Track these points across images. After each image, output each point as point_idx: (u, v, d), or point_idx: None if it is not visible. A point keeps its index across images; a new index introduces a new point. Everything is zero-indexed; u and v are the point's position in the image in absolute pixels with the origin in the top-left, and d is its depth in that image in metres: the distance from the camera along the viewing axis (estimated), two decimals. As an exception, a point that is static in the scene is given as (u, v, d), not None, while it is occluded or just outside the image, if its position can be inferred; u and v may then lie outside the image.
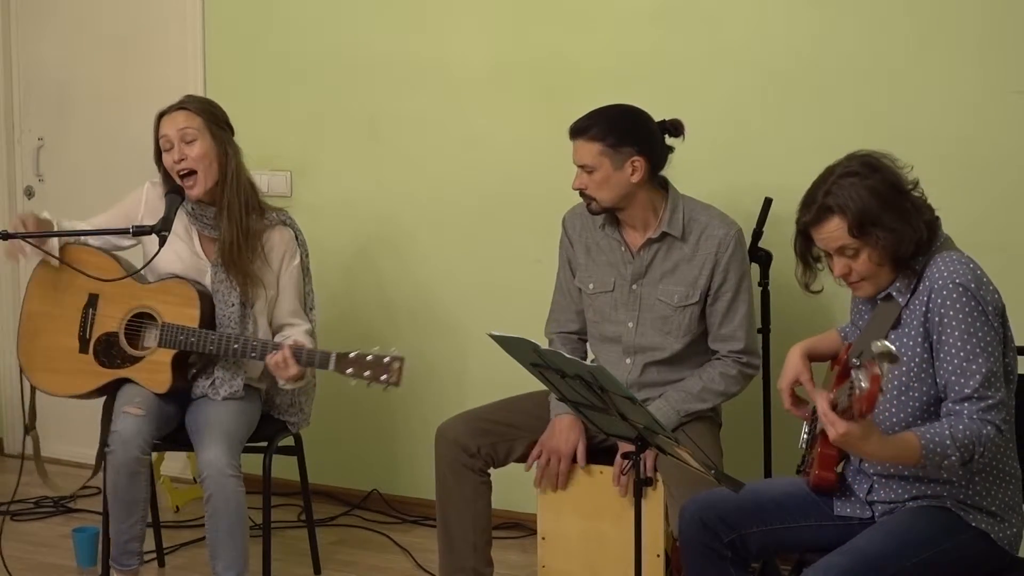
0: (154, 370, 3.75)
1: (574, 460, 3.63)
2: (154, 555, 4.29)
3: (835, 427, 2.68)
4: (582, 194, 3.60)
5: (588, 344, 3.84)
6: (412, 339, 4.79)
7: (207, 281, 3.80)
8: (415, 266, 4.76)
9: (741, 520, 3.04)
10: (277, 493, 4.30)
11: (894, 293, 2.94)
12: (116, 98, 5.18)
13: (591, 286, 3.72)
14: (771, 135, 4.16)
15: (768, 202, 3.95)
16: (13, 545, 4.14)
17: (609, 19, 4.36)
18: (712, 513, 3.05)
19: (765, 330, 3.94)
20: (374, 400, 4.87)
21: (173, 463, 4.89)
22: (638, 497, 3.04)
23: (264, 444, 3.95)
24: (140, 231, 3.52)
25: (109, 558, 3.83)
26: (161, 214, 3.68)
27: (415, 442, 4.70)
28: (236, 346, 3.67)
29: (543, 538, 3.71)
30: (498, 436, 3.70)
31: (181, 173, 3.73)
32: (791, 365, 3.13)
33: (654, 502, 3.51)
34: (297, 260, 3.88)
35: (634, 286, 3.65)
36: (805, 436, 3.16)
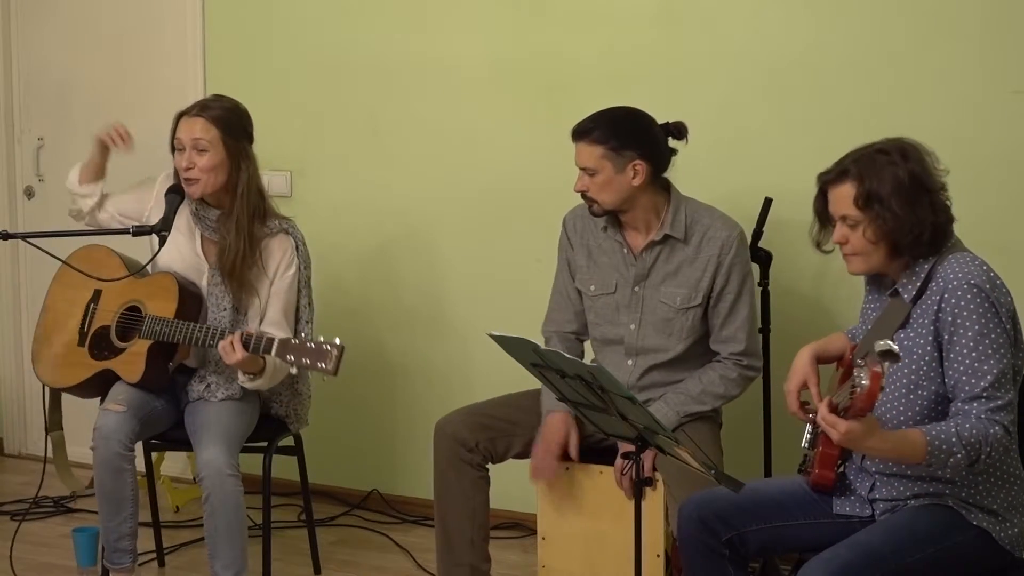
0: (131, 361, 3.77)
1: (568, 458, 3.62)
2: (154, 555, 4.29)
3: (836, 428, 2.68)
4: (584, 196, 3.60)
5: (590, 345, 3.83)
6: (412, 339, 4.80)
7: (204, 281, 3.80)
8: (415, 266, 4.76)
9: (739, 518, 3.04)
10: (277, 493, 4.30)
11: (900, 289, 2.94)
12: (116, 98, 5.18)
13: (592, 288, 3.71)
14: (771, 135, 4.16)
15: (768, 202, 3.95)
16: (10, 544, 4.14)
17: (609, 19, 4.36)
18: (710, 511, 3.05)
19: (765, 330, 3.94)
20: (374, 400, 4.89)
21: (173, 463, 4.89)
22: (638, 497, 3.04)
23: (264, 444, 3.95)
24: (140, 231, 3.52)
25: (103, 557, 3.83)
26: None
27: (415, 442, 4.70)
28: (199, 335, 3.66)
29: (543, 538, 3.71)
30: (497, 431, 3.70)
31: (186, 177, 3.74)
32: (799, 368, 3.13)
33: (654, 502, 3.51)
34: (292, 271, 3.85)
35: (636, 288, 3.65)
36: (808, 436, 3.16)
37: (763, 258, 3.95)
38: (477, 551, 3.70)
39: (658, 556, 3.54)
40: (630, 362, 3.67)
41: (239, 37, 4.98)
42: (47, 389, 3.96)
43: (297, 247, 3.88)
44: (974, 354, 2.79)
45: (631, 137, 3.53)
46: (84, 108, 5.29)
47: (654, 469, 3.50)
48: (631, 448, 3.06)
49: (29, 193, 5.46)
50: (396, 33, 4.70)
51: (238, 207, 3.76)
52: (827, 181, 2.99)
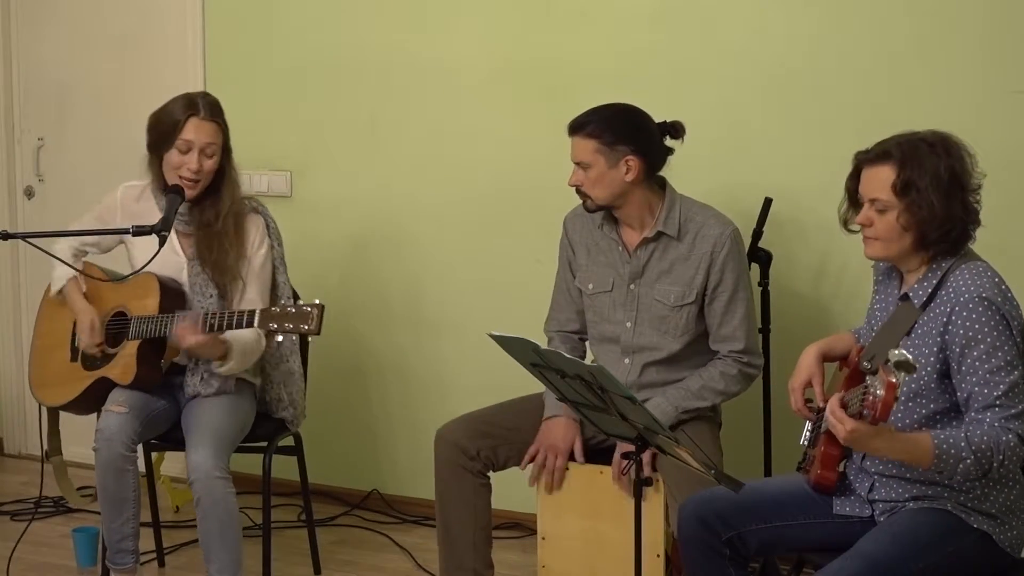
0: (122, 364, 3.77)
1: (572, 458, 3.62)
2: (154, 555, 4.29)
3: (844, 424, 2.68)
4: (578, 191, 3.61)
5: (588, 344, 3.84)
6: (412, 339, 4.79)
7: (184, 276, 3.80)
8: (415, 266, 4.76)
9: (739, 518, 3.04)
10: (277, 493, 4.30)
11: (910, 293, 2.93)
12: (116, 98, 5.18)
13: (591, 286, 3.72)
14: (771, 135, 4.16)
15: (768, 202, 3.95)
16: (12, 545, 4.14)
17: (609, 19, 4.36)
18: (710, 511, 3.06)
19: (765, 330, 3.94)
20: (374, 400, 4.89)
21: (173, 463, 4.89)
22: (638, 497, 3.04)
23: (264, 444, 3.95)
24: (140, 231, 3.52)
25: (105, 558, 3.83)
26: (136, 217, 3.74)
27: (415, 442, 4.70)
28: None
29: (543, 538, 3.71)
30: (498, 439, 3.70)
31: (188, 179, 3.72)
32: (805, 366, 3.13)
33: (654, 502, 3.50)
34: (265, 248, 3.86)
35: (631, 286, 3.65)
36: (808, 434, 3.16)
37: (763, 258, 3.95)
38: (480, 557, 3.70)
39: (658, 556, 3.54)
40: (627, 360, 3.68)
41: (239, 37, 4.98)
42: (44, 412, 3.96)
43: (268, 225, 3.90)
44: (987, 366, 2.78)
45: (625, 133, 3.54)
46: (84, 108, 5.30)
47: (654, 469, 3.50)
48: (631, 448, 3.06)
49: (29, 193, 5.46)
50: (396, 33, 4.70)
51: (227, 202, 3.77)
52: (865, 160, 2.96)
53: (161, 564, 4.32)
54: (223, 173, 3.80)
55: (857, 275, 4.00)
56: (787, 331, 3.98)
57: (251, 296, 3.82)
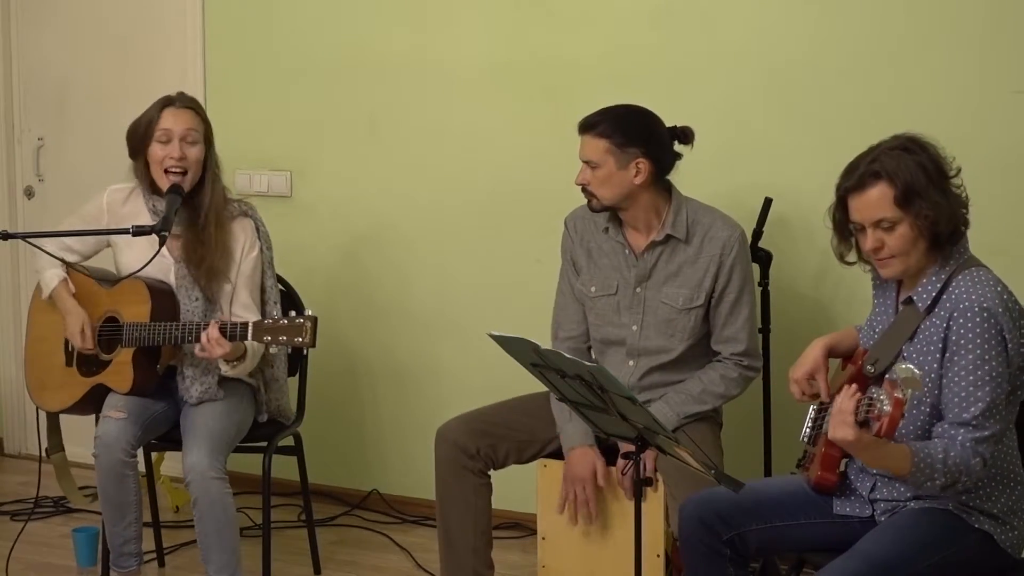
0: (118, 371, 3.77)
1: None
2: (154, 555, 4.29)
3: (848, 430, 2.67)
4: (584, 190, 3.60)
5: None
6: (412, 339, 4.79)
7: (171, 277, 3.79)
8: (415, 266, 4.76)
9: (740, 518, 3.04)
10: (277, 493, 4.30)
11: (914, 297, 2.92)
12: (116, 98, 5.17)
13: (593, 289, 3.71)
14: (771, 135, 4.16)
15: (768, 202, 3.96)
16: (10, 545, 4.14)
17: (609, 19, 4.36)
18: (710, 511, 3.06)
19: (765, 330, 3.94)
20: (374, 400, 4.89)
21: (173, 463, 4.87)
22: (638, 497, 3.04)
23: (264, 444, 3.95)
24: (140, 231, 3.51)
25: (108, 560, 3.83)
26: (123, 220, 3.74)
27: (415, 442, 4.70)
28: (177, 333, 3.66)
29: (543, 538, 3.71)
30: (498, 438, 3.69)
31: (174, 169, 3.71)
32: (811, 359, 3.12)
33: (654, 502, 3.50)
34: (256, 252, 3.86)
35: (638, 289, 3.65)
36: (808, 431, 3.16)
37: (763, 258, 3.95)
38: (480, 558, 3.69)
39: (658, 556, 3.54)
40: (631, 363, 3.67)
41: (239, 37, 4.98)
42: (43, 413, 3.96)
43: (258, 228, 3.89)
44: (971, 378, 2.78)
45: (637, 134, 3.53)
46: (84, 108, 5.30)
47: (655, 469, 3.50)
48: (631, 448, 3.06)
49: (29, 193, 5.46)
50: (396, 33, 4.70)
51: (210, 201, 3.77)
52: (850, 189, 2.90)
53: (161, 564, 4.32)
54: (206, 168, 3.78)
55: (857, 275, 3.96)
56: (787, 331, 3.97)
57: (243, 300, 3.82)
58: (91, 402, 3.84)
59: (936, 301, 2.89)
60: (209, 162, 3.80)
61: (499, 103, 4.55)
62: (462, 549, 3.68)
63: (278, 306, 3.92)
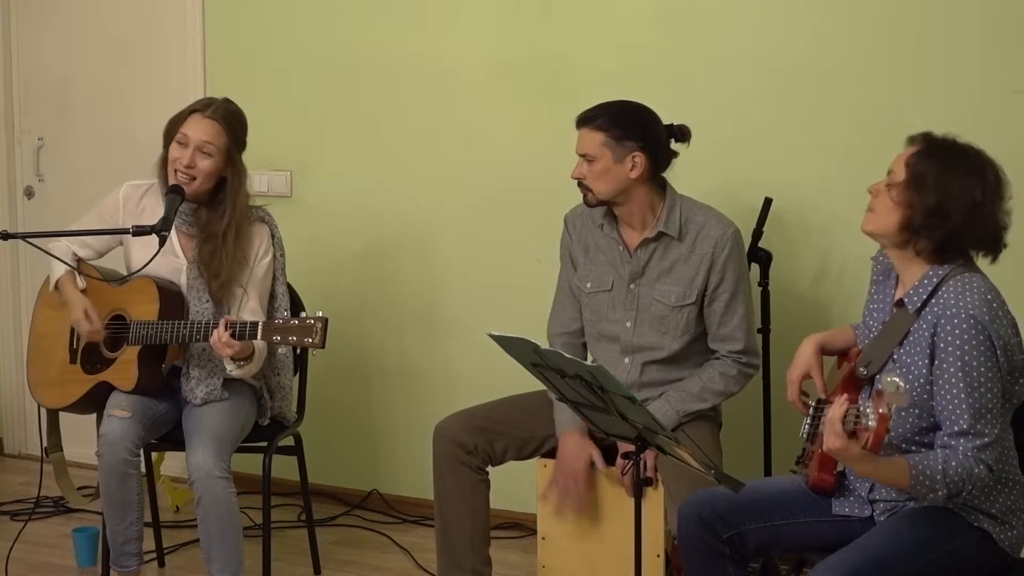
0: (123, 369, 3.77)
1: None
2: (154, 555, 4.29)
3: (836, 440, 2.68)
4: (580, 184, 3.61)
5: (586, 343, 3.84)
6: (413, 339, 4.79)
7: (182, 278, 3.79)
8: (415, 266, 4.76)
9: (739, 517, 3.04)
10: (277, 493, 4.30)
11: (905, 300, 2.92)
12: (116, 98, 5.18)
13: (589, 285, 3.72)
14: (771, 134, 4.16)
15: (768, 202, 3.96)
16: (9, 545, 4.14)
17: (609, 19, 4.36)
18: (710, 510, 3.06)
19: (765, 330, 3.94)
20: (374, 400, 4.89)
21: (173, 463, 4.89)
22: (638, 497, 3.04)
23: (264, 444, 3.95)
24: (140, 231, 3.51)
25: (108, 559, 3.83)
26: (138, 217, 3.75)
27: (415, 442, 4.70)
28: (184, 332, 3.66)
29: (543, 538, 3.71)
30: (496, 434, 3.70)
31: (182, 174, 3.71)
32: (804, 358, 3.13)
33: (654, 502, 3.51)
34: (268, 258, 3.85)
35: (632, 285, 3.65)
36: (806, 428, 3.16)
37: (763, 258, 3.95)
38: (478, 554, 3.69)
39: (658, 556, 3.54)
40: (627, 360, 3.68)
41: (239, 37, 4.98)
42: (43, 412, 3.96)
43: (273, 235, 3.89)
44: (961, 384, 2.77)
45: (634, 129, 3.54)
46: (84, 108, 5.30)
47: (655, 469, 3.50)
48: (631, 448, 3.06)
49: (29, 193, 5.46)
50: (396, 33, 4.70)
51: (231, 216, 3.74)
52: (908, 139, 2.97)
53: (161, 564, 4.32)
54: (229, 184, 3.76)
55: (857, 275, 4.00)
56: (787, 331, 3.97)
57: (252, 305, 3.82)
58: (92, 400, 3.84)
59: (925, 304, 2.89)
60: (233, 176, 3.76)
61: (499, 103, 4.56)
62: (460, 545, 3.68)
63: (288, 313, 3.91)
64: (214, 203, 3.78)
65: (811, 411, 3.15)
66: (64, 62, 5.32)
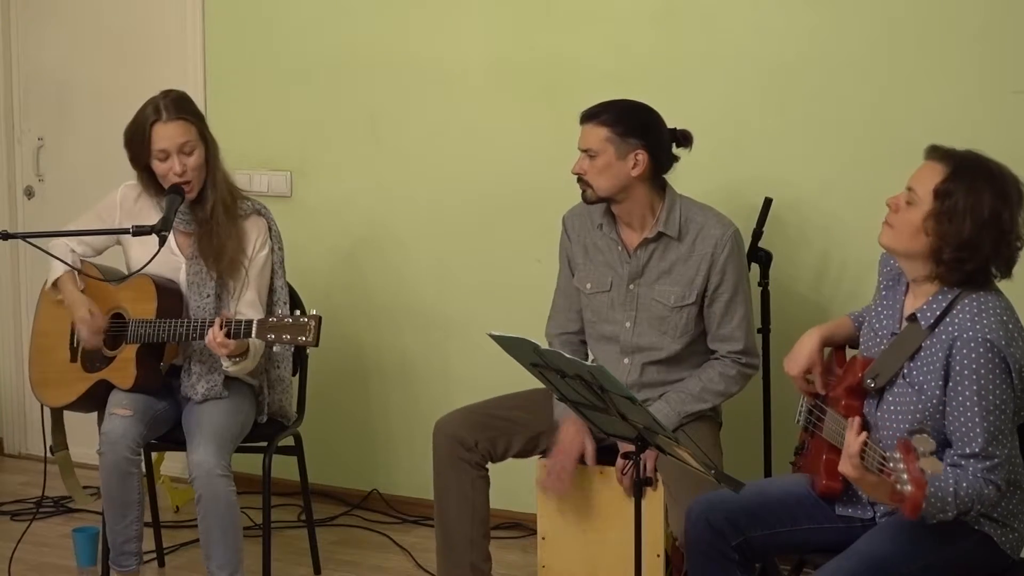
0: (122, 368, 3.77)
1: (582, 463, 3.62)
2: (154, 555, 4.29)
3: (854, 471, 2.67)
4: (580, 180, 3.61)
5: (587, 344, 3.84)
6: (413, 339, 4.79)
7: (181, 275, 3.79)
8: (415, 266, 4.76)
9: (747, 522, 3.04)
10: (277, 493, 4.30)
11: (918, 315, 2.90)
12: (116, 98, 5.17)
13: (588, 286, 3.72)
14: (771, 135, 4.16)
15: (768, 202, 3.96)
16: (13, 545, 4.14)
17: (609, 19, 4.36)
18: (719, 515, 3.05)
19: (765, 330, 3.94)
20: (374, 400, 4.89)
21: (173, 463, 4.89)
22: (638, 497, 3.04)
23: (264, 444, 3.95)
24: (140, 231, 3.51)
25: (108, 559, 3.83)
26: (135, 217, 3.74)
27: (415, 442, 4.70)
28: (182, 330, 3.66)
29: (543, 538, 3.71)
30: (496, 430, 3.70)
31: (180, 183, 3.71)
32: (806, 352, 3.12)
33: (654, 502, 3.50)
34: (266, 251, 3.86)
35: (631, 286, 3.65)
36: (801, 418, 3.15)
37: (763, 258, 3.95)
38: (477, 550, 3.69)
39: (658, 556, 3.54)
40: (626, 360, 3.68)
41: (239, 37, 4.98)
42: (47, 410, 3.96)
43: (270, 227, 3.89)
44: (976, 408, 2.76)
45: (637, 127, 3.55)
46: (84, 108, 5.29)
47: (655, 469, 3.50)
48: (631, 448, 3.06)
49: (29, 193, 5.46)
50: (396, 33, 4.70)
51: (221, 193, 3.76)
52: (930, 153, 2.89)
53: (161, 564, 4.32)
54: (209, 165, 3.77)
55: (857, 275, 4.01)
56: (787, 331, 3.97)
57: (249, 298, 3.82)
58: (93, 399, 3.84)
59: (939, 320, 2.86)
60: (210, 156, 3.77)
61: (499, 103, 4.55)
62: (459, 542, 3.68)
63: (287, 307, 3.92)
64: (203, 193, 3.78)
65: (806, 402, 3.14)
66: (64, 62, 5.32)
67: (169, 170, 3.71)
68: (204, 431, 3.66)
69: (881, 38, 4.01)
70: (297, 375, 4.15)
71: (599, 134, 3.55)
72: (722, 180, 4.13)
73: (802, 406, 3.17)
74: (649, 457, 3.46)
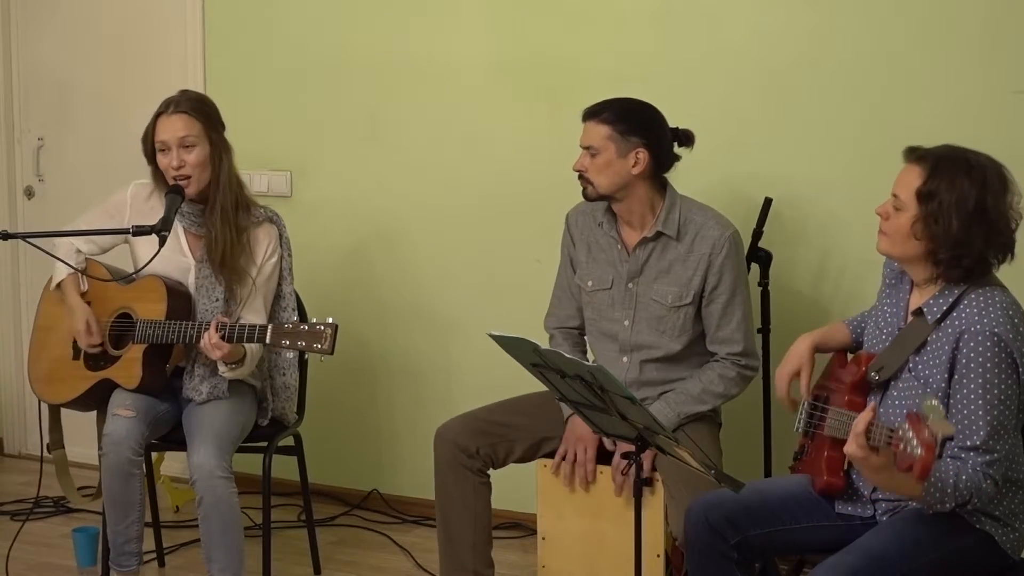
0: (127, 367, 3.77)
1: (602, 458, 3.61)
2: (154, 555, 4.29)
3: (859, 451, 2.66)
4: (580, 177, 3.61)
5: (587, 341, 3.84)
6: (412, 339, 4.79)
7: (190, 278, 3.79)
8: (415, 266, 4.76)
9: (746, 521, 3.04)
10: (277, 493, 4.30)
11: (924, 309, 2.90)
12: (116, 98, 5.18)
13: (590, 283, 3.72)
14: (771, 135, 4.16)
15: (768, 202, 3.96)
16: (9, 544, 4.14)
17: (609, 19, 4.36)
18: (718, 514, 3.05)
19: (765, 330, 3.94)
20: (374, 400, 4.89)
21: (173, 463, 4.89)
22: (638, 497, 3.04)
23: (264, 444, 3.95)
24: (140, 231, 3.51)
25: (108, 559, 3.83)
26: (146, 215, 3.74)
27: (415, 442, 4.70)
28: (192, 332, 3.65)
29: (543, 538, 3.71)
30: (497, 437, 3.70)
31: (178, 178, 3.72)
32: (796, 356, 3.13)
33: (654, 502, 3.50)
34: (275, 259, 3.86)
35: (630, 284, 3.66)
36: (801, 423, 3.15)
37: (763, 258, 3.95)
38: (480, 557, 3.69)
39: (658, 556, 3.54)
40: (625, 359, 3.68)
41: (239, 37, 4.98)
42: (44, 407, 3.96)
43: (281, 235, 3.89)
44: (980, 401, 2.77)
45: (639, 125, 3.56)
46: (84, 108, 5.30)
47: (653, 469, 3.50)
48: (631, 448, 3.06)
49: (29, 193, 5.46)
50: (396, 33, 4.70)
51: (222, 197, 3.75)
52: (907, 156, 2.91)
53: (161, 564, 4.32)
54: (215, 167, 3.76)
55: (857, 275, 4.01)
56: (787, 331, 3.96)
57: (255, 304, 3.82)
58: (95, 397, 3.84)
59: (946, 315, 2.87)
60: (216, 160, 3.76)
61: (499, 103, 4.55)
62: (462, 548, 3.68)
63: (295, 313, 3.91)
64: (207, 196, 3.78)
65: (806, 407, 3.14)
66: (64, 62, 5.32)
67: (168, 165, 3.71)
68: (205, 433, 3.66)
69: (881, 38, 4.01)
70: (297, 376, 4.14)
71: (601, 132, 3.56)
72: (722, 179, 4.13)
73: (801, 413, 3.16)
74: (647, 457, 3.46)
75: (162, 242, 3.52)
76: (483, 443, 3.67)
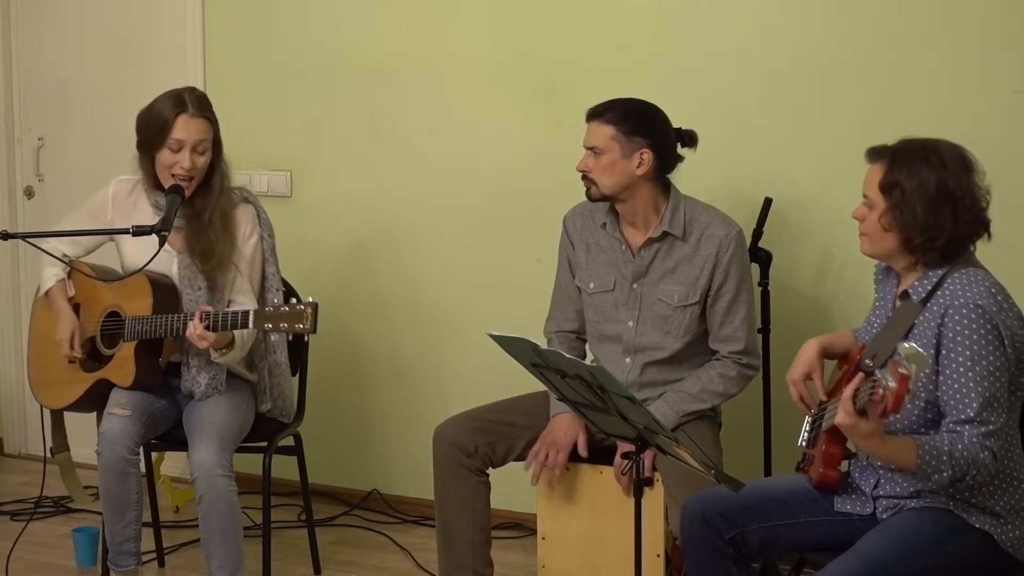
0: (120, 366, 3.77)
1: (575, 457, 3.62)
2: (154, 555, 4.29)
3: (847, 417, 2.68)
4: (584, 177, 3.61)
5: (587, 343, 3.84)
6: (412, 339, 4.79)
7: (173, 270, 3.79)
8: (415, 266, 4.76)
9: (742, 517, 3.04)
10: (277, 493, 4.30)
11: (910, 291, 2.94)
12: (116, 98, 5.18)
13: (591, 285, 3.72)
14: (771, 135, 4.16)
15: (768, 202, 3.96)
16: (11, 545, 4.14)
17: (609, 19, 4.36)
18: (714, 510, 3.05)
19: (765, 330, 3.94)
20: (374, 400, 4.89)
21: (173, 463, 4.89)
22: (638, 497, 3.04)
23: (264, 444, 3.95)
24: (140, 231, 3.50)
25: (107, 559, 3.83)
26: (128, 211, 3.76)
27: (415, 442, 4.70)
28: (179, 324, 3.65)
29: (543, 538, 3.71)
30: (496, 435, 3.70)
31: (182, 178, 3.71)
32: (805, 359, 3.14)
33: (654, 502, 3.51)
34: (255, 239, 3.85)
35: (635, 285, 3.65)
36: (806, 434, 3.16)
37: (763, 258, 3.95)
38: (479, 556, 3.69)
39: (658, 556, 3.54)
40: (628, 360, 3.68)
41: (239, 37, 4.98)
42: (46, 412, 3.96)
43: (258, 215, 3.88)
44: (970, 374, 2.78)
45: (644, 126, 3.56)
46: (84, 108, 5.30)
47: (653, 469, 3.50)
48: (631, 448, 3.06)
49: (29, 193, 5.46)
50: (396, 33, 4.70)
51: (211, 196, 3.75)
52: (869, 156, 3.00)
53: (161, 564, 4.32)
54: (214, 167, 3.77)
55: (857, 275, 4.00)
56: (787, 331, 3.98)
57: (242, 286, 3.82)
58: (93, 398, 3.84)
59: (931, 295, 2.90)
60: (218, 161, 3.78)
61: (499, 103, 4.55)
62: (461, 547, 3.68)
63: (281, 295, 3.91)
64: (197, 190, 3.78)
65: (809, 418, 3.15)
66: (64, 62, 5.32)
67: (176, 163, 3.70)
68: (205, 430, 3.66)
69: (881, 38, 4.01)
70: (297, 375, 4.14)
71: (605, 132, 3.56)
72: (722, 179, 4.13)
73: (805, 429, 3.17)
74: (647, 457, 3.46)
75: (162, 242, 3.51)
76: (482, 442, 3.67)
